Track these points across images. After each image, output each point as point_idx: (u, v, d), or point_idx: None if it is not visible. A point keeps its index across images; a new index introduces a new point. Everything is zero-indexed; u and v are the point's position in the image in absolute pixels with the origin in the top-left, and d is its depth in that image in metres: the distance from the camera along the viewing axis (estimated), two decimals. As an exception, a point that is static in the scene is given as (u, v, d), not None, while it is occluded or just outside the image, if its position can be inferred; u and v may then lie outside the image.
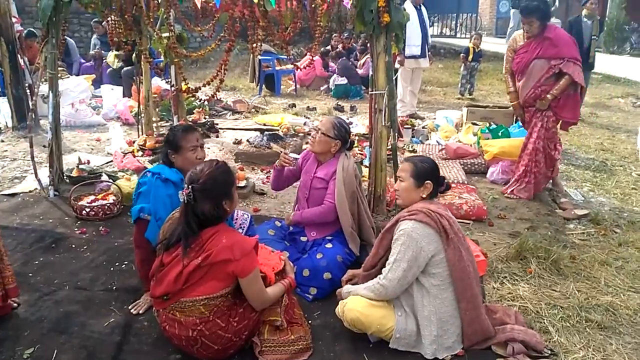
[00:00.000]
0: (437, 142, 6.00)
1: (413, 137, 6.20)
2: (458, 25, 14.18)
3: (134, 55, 5.50)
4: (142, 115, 5.73)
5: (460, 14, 14.02)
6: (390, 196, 3.82)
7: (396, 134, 3.90)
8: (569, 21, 7.60)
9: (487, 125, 5.76)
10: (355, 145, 5.91)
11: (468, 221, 3.87)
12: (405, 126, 6.29)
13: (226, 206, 2.24)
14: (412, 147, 5.75)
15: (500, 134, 5.28)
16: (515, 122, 5.79)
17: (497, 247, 3.46)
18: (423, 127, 6.64)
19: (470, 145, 5.42)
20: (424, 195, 2.39)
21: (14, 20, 6.44)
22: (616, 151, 6.01)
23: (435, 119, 7.14)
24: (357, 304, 2.34)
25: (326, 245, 2.92)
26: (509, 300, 2.82)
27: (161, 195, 2.60)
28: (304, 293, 2.80)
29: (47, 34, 4.08)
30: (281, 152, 2.99)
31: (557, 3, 13.03)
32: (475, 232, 3.72)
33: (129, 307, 2.68)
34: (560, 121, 4.34)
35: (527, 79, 4.25)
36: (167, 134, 2.89)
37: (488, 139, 5.33)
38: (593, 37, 7.07)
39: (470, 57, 9.14)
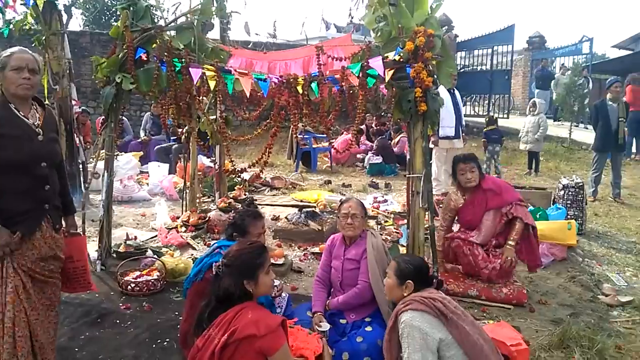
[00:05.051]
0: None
1: (449, 216, 6.22)
2: (491, 105, 14.49)
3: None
4: (187, 191, 5.99)
5: (492, 94, 14.38)
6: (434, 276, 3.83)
7: (433, 215, 3.97)
8: (595, 105, 7.78)
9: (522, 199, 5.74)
10: (391, 223, 5.99)
11: (509, 306, 3.82)
12: (440, 205, 6.33)
13: (248, 287, 2.25)
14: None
15: (537, 216, 5.27)
16: (554, 204, 5.79)
17: (539, 335, 3.38)
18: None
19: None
20: (405, 294, 2.51)
21: (73, 102, 6.99)
22: (659, 234, 5.88)
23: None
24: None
25: (366, 328, 2.94)
26: (554, 393, 2.74)
27: None
28: (342, 377, 2.79)
29: (107, 119, 4.45)
30: (315, 321, 3.05)
31: (590, 85, 13.25)
32: (517, 318, 3.66)
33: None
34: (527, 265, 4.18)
35: (481, 233, 4.04)
36: (235, 217, 3.04)
37: (525, 221, 5.30)
38: (620, 119, 7.18)
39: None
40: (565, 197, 5.81)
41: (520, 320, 3.63)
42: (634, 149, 10.93)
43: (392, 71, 3.58)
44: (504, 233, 4.03)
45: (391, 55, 3.65)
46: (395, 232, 5.53)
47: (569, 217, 5.51)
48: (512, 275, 4.02)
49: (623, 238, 5.72)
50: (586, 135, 11.86)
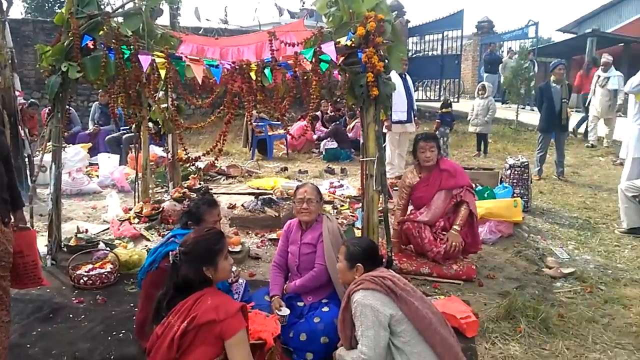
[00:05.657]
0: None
1: (402, 198, 6.37)
2: (442, 89, 14.83)
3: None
4: (139, 182, 5.87)
5: (443, 79, 14.74)
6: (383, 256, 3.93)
7: (387, 197, 4.07)
8: (539, 87, 8.13)
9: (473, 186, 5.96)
10: (347, 207, 6.08)
11: (459, 281, 3.98)
12: (394, 188, 6.47)
13: (208, 273, 2.28)
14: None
15: (486, 195, 5.48)
16: (501, 183, 6.02)
17: (487, 307, 3.55)
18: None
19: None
20: (356, 276, 2.58)
21: (17, 93, 6.70)
22: (599, 209, 6.22)
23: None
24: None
25: (323, 309, 3.01)
26: (501, 361, 2.90)
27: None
28: (299, 358, 2.85)
29: (53, 109, 4.30)
30: (275, 306, 3.10)
31: (536, 69, 13.73)
32: (466, 293, 3.82)
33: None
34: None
35: (430, 210, 4.16)
36: (190, 205, 3.01)
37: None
38: (563, 101, 7.53)
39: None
40: (512, 176, 6.06)
41: (470, 294, 3.80)
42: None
43: (343, 56, 3.61)
44: (452, 217, 4.17)
45: (343, 41, 3.68)
46: (351, 215, 5.63)
47: (515, 195, 5.75)
48: (456, 257, 4.15)
49: (566, 214, 6.02)
50: (532, 116, 12.31)
